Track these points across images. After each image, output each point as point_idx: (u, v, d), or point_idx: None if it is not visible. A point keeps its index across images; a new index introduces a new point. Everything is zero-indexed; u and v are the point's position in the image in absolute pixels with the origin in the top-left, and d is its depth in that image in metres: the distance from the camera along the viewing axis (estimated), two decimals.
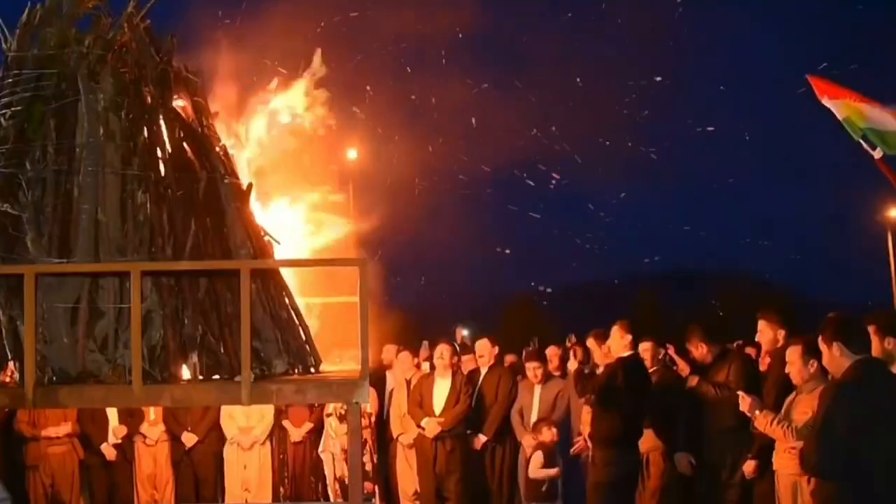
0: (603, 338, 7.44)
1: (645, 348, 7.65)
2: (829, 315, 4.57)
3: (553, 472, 7.82)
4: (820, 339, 4.45)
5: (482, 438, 8.24)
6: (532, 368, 8.39)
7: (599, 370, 7.51)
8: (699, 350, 7.17)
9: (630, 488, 7.04)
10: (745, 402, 5.87)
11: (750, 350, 8.71)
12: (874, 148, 7.14)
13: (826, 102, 7.29)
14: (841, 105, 7.22)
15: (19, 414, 7.48)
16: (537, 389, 8.30)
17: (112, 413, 7.92)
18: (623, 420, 6.83)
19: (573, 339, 9.61)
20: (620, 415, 6.82)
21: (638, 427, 6.99)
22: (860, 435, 4.07)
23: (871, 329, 5.08)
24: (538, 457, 7.82)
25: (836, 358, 4.33)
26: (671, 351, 8.26)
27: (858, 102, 7.21)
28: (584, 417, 7.61)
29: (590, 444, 7.38)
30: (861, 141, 7.23)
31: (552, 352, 9.15)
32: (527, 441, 8.11)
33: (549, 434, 7.83)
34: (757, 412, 5.80)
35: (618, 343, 7.08)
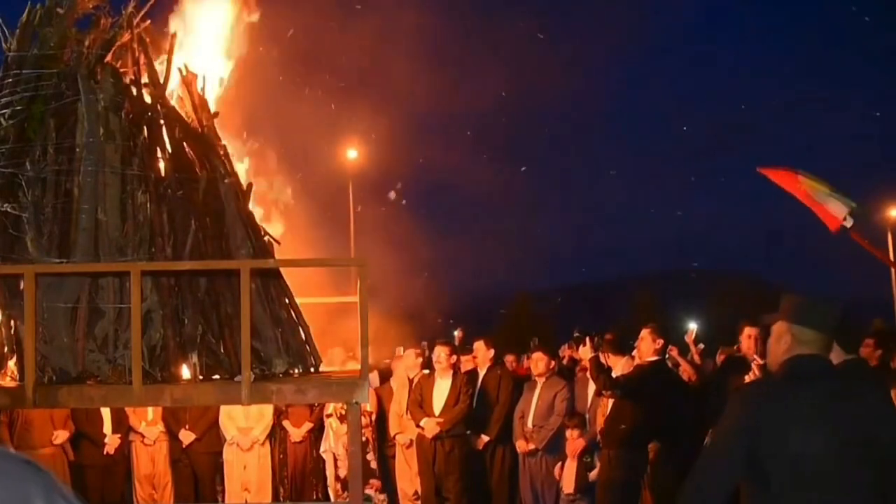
0: (613, 347, 7.39)
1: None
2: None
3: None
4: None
5: (485, 439, 8.23)
6: (535, 360, 8.38)
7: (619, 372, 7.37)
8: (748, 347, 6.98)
9: (638, 489, 7.02)
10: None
11: None
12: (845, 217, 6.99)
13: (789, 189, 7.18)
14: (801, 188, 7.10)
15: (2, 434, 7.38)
16: (538, 388, 8.29)
17: (106, 416, 7.89)
18: (642, 423, 6.79)
19: (579, 330, 9.52)
20: (639, 418, 6.78)
21: (653, 431, 6.95)
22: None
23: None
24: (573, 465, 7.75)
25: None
26: (674, 353, 8.22)
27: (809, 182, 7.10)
28: (600, 415, 7.52)
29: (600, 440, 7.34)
30: (844, 223, 7.06)
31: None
32: (520, 445, 8.11)
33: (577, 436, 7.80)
34: None
35: (648, 347, 7.03)
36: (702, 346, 9.30)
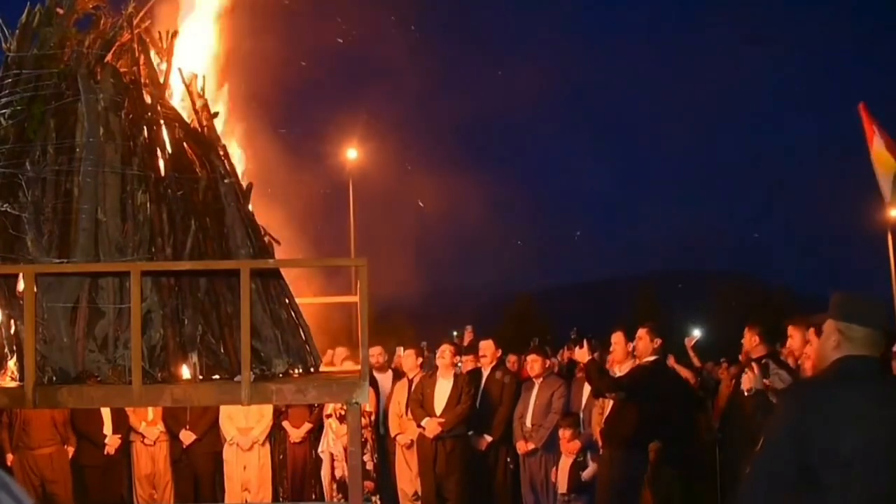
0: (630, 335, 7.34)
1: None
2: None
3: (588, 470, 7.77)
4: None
5: (487, 439, 8.23)
6: (531, 361, 8.41)
7: (619, 369, 7.35)
8: (754, 347, 6.89)
9: (639, 489, 7.02)
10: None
11: None
12: None
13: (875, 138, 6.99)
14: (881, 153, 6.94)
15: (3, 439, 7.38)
16: (535, 388, 8.30)
17: (106, 416, 7.88)
18: (642, 423, 6.78)
19: (576, 332, 9.53)
20: (640, 418, 6.78)
21: (653, 431, 6.95)
22: None
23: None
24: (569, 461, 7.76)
25: None
26: (671, 361, 8.23)
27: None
28: (596, 415, 7.52)
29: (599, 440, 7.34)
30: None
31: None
32: (520, 446, 8.11)
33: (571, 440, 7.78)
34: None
35: (647, 346, 7.03)
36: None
